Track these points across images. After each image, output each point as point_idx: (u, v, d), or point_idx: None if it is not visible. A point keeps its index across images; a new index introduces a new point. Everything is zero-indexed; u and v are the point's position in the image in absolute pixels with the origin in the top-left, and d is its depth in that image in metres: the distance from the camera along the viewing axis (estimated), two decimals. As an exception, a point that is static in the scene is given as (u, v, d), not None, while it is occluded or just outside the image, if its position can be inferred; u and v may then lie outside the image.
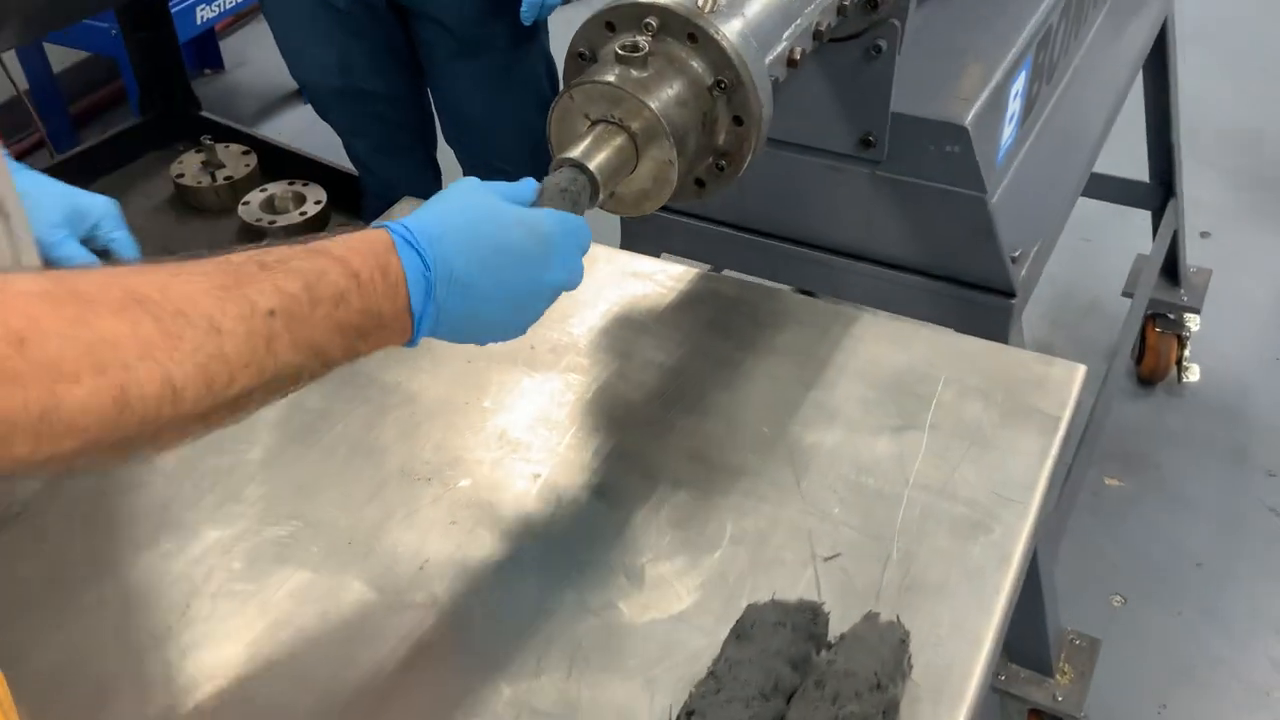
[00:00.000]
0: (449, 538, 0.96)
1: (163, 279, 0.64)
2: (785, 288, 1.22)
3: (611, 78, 1.01)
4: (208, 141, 2.65)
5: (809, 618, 0.82)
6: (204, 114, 2.78)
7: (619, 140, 1.00)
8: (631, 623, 0.88)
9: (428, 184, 2.23)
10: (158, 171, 2.73)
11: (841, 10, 1.26)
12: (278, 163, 2.72)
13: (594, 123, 1.03)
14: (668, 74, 1.02)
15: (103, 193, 2.85)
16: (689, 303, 1.19)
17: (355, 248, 0.73)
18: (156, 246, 2.66)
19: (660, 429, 1.05)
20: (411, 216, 0.79)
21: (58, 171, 2.70)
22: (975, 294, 1.54)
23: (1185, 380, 2.62)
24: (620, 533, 0.96)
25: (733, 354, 1.13)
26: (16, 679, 0.70)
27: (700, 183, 1.11)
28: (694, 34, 1.03)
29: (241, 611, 0.91)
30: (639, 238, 1.82)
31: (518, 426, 1.06)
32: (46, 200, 1.08)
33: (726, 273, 1.86)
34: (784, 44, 1.15)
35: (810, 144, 1.53)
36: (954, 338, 1.14)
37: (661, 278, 1.23)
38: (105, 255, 1.14)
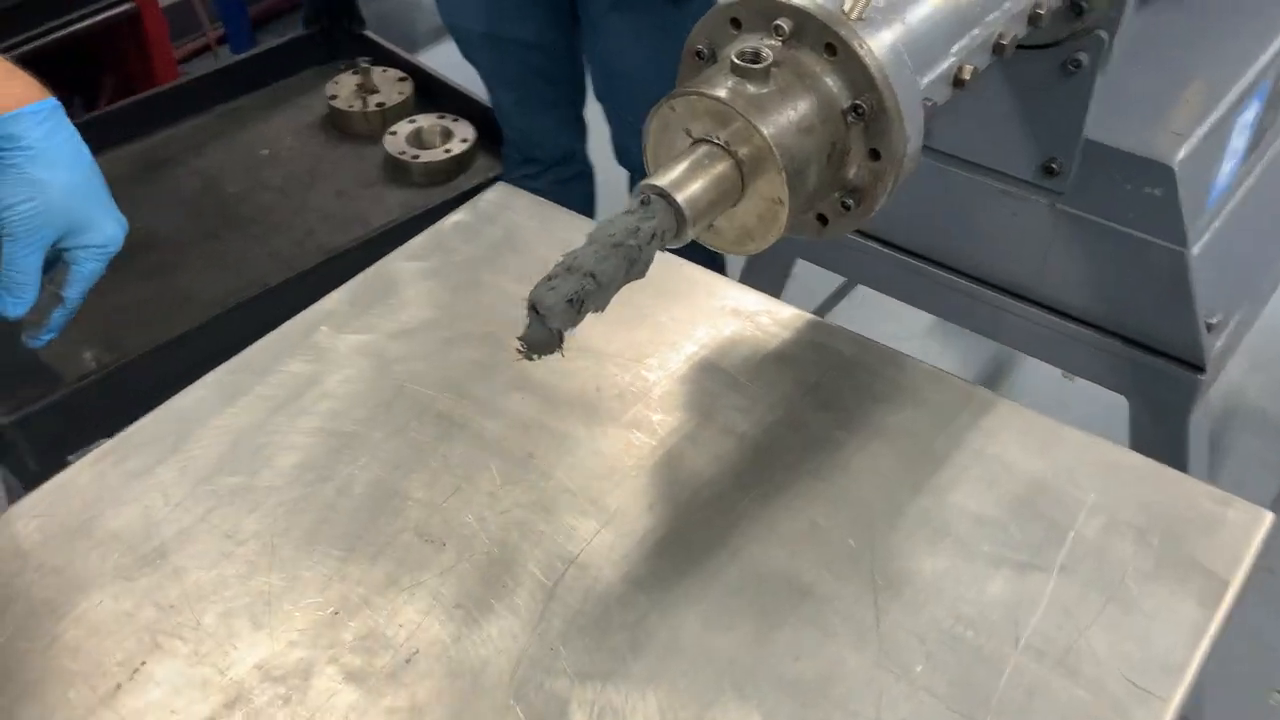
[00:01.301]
0: (449, 625, 0.81)
1: None
2: (911, 355, 1.02)
3: (722, 92, 0.82)
4: (364, 64, 2.55)
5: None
6: (366, 33, 2.68)
7: (722, 167, 0.82)
8: (635, 781, 0.72)
9: (571, 140, 2.07)
10: (315, 89, 2.64)
11: (1034, 20, 1.03)
12: (433, 93, 2.60)
13: (696, 141, 0.85)
14: (794, 91, 0.83)
15: (256, 107, 2.80)
16: (793, 357, 1.00)
17: None
18: (302, 170, 2.58)
19: (726, 519, 0.87)
20: None
21: (218, 79, 2.66)
22: (1157, 361, 1.30)
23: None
24: (646, 657, 0.79)
25: (832, 432, 0.94)
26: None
27: (823, 219, 0.92)
28: (832, 45, 0.83)
29: (197, 684, 0.78)
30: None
31: (560, 491, 0.90)
32: (50, 193, 0.96)
33: (849, 308, 1.65)
34: (951, 59, 0.94)
35: (983, 163, 1.31)
36: (1109, 449, 0.92)
37: (766, 320, 1.04)
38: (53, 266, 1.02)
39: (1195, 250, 1.23)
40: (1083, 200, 1.26)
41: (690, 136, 0.86)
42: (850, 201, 0.90)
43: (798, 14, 0.84)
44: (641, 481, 0.90)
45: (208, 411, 0.98)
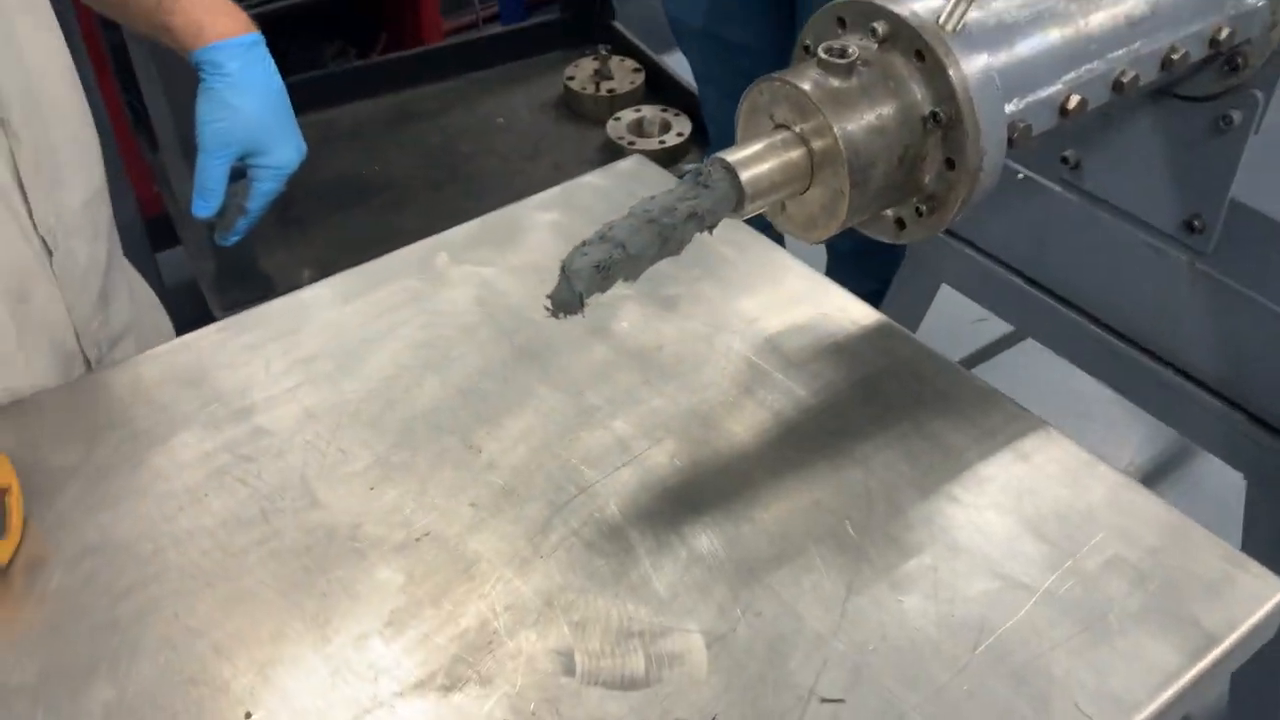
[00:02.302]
0: (461, 518, 0.90)
1: None
2: (971, 373, 1.03)
3: (805, 83, 0.88)
4: (604, 52, 2.70)
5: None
6: (614, 24, 2.82)
7: (795, 154, 0.87)
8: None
9: (770, 145, 2.12)
10: (557, 70, 2.81)
11: (1168, 65, 1.02)
12: (662, 87, 2.72)
13: (777, 126, 0.90)
14: (876, 91, 0.87)
15: (502, 79, 2.99)
16: (852, 351, 1.03)
17: None
18: (528, 142, 2.75)
19: (736, 483, 0.92)
20: None
21: (473, 49, 2.87)
22: (1279, 443, 1.25)
23: None
24: (620, 584, 0.85)
25: (864, 425, 0.97)
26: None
27: (901, 223, 0.95)
28: (921, 51, 0.87)
29: (244, 520, 0.90)
30: (919, 260, 1.64)
31: (596, 427, 0.97)
32: (239, 116, 1.13)
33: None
34: (1058, 87, 0.96)
35: (1127, 209, 1.29)
36: (1137, 493, 0.91)
37: (840, 315, 1.07)
38: (239, 177, 1.18)
39: (1332, 333, 1.17)
40: (1224, 264, 1.23)
41: (773, 121, 0.91)
42: (924, 208, 0.92)
43: (894, 19, 0.88)
44: (671, 435, 0.96)
45: (323, 306, 1.10)
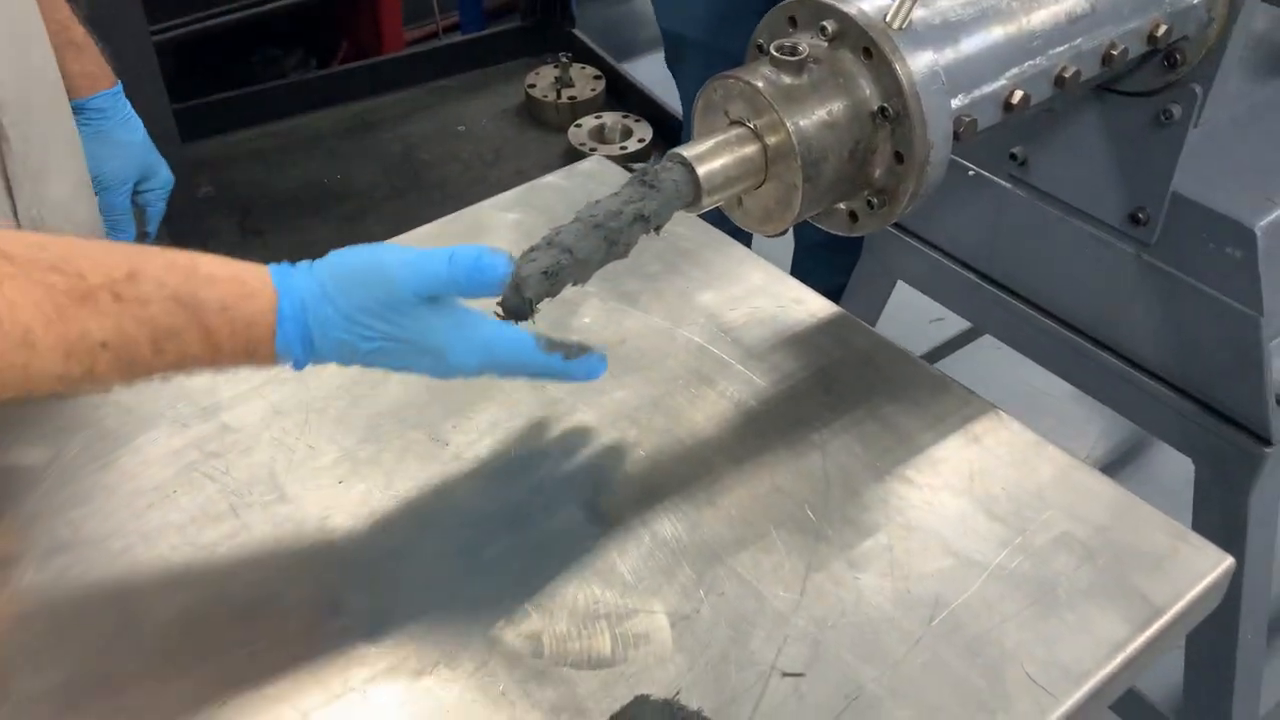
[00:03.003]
0: (428, 503, 0.92)
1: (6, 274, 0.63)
2: (927, 363, 1.06)
3: (758, 80, 0.90)
4: (564, 59, 2.72)
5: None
6: (575, 32, 2.85)
7: (749, 150, 0.90)
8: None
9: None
10: (518, 77, 2.84)
11: (1108, 60, 1.06)
12: (622, 93, 2.75)
13: (732, 123, 0.92)
14: (825, 87, 0.90)
15: (463, 87, 3.01)
16: (811, 342, 1.06)
17: (234, 318, 0.71)
18: (489, 148, 2.76)
19: (697, 470, 0.94)
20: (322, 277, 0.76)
21: (434, 58, 2.89)
22: (1224, 428, 1.29)
23: None
24: (585, 569, 0.87)
25: (821, 412, 0.99)
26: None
27: (854, 215, 0.98)
28: (869, 48, 0.89)
29: (212, 515, 0.91)
30: (879, 255, 1.67)
31: (558, 418, 0.99)
32: (131, 150, 1.23)
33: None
34: (1002, 83, 0.99)
35: (1075, 204, 1.33)
36: (1084, 473, 0.94)
37: (797, 309, 1.10)
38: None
39: (1271, 321, 1.21)
40: (1168, 254, 1.26)
41: (728, 118, 0.93)
42: (876, 200, 0.95)
43: (842, 17, 0.91)
44: (634, 425, 0.98)
45: (289, 305, 1.11)
